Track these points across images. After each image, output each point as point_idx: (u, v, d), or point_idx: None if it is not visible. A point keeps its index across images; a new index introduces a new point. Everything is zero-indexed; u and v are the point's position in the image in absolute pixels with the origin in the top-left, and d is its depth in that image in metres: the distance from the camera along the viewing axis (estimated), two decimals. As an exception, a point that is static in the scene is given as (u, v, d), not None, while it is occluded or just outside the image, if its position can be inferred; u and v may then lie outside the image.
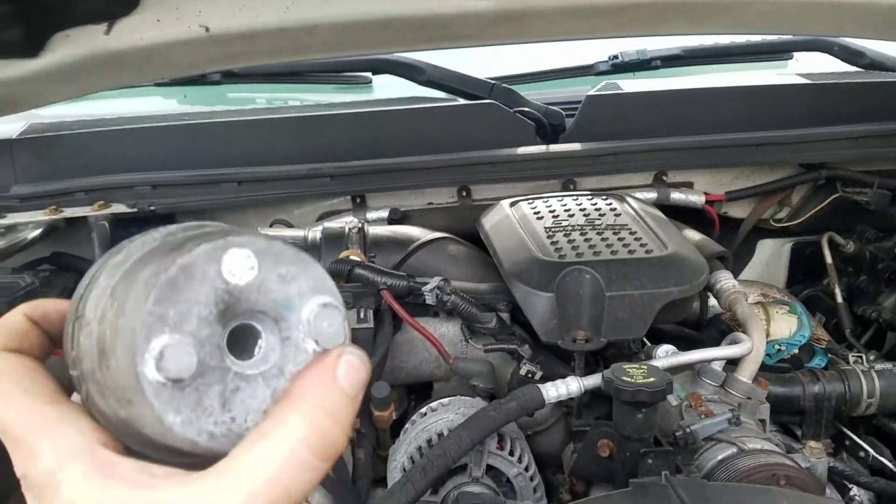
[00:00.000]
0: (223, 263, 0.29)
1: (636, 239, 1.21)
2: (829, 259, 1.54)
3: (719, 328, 1.31)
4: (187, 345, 0.28)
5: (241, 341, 0.30)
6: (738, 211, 1.61)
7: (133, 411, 0.29)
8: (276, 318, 0.30)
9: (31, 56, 1.15)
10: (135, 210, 1.41)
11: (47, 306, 0.41)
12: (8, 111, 1.34)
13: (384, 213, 1.49)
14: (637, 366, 0.98)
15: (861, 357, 1.29)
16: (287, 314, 0.30)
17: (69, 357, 0.33)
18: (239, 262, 0.30)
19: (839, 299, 1.51)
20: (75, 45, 1.15)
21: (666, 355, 1.10)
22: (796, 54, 1.84)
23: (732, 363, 1.16)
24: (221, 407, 0.29)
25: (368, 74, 1.70)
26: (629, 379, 0.94)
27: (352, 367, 0.32)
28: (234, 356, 0.30)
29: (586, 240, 1.21)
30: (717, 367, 1.14)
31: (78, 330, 0.32)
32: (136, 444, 0.32)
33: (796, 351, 1.30)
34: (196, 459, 0.30)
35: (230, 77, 1.70)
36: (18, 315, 0.40)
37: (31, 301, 0.41)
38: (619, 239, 1.21)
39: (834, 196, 1.56)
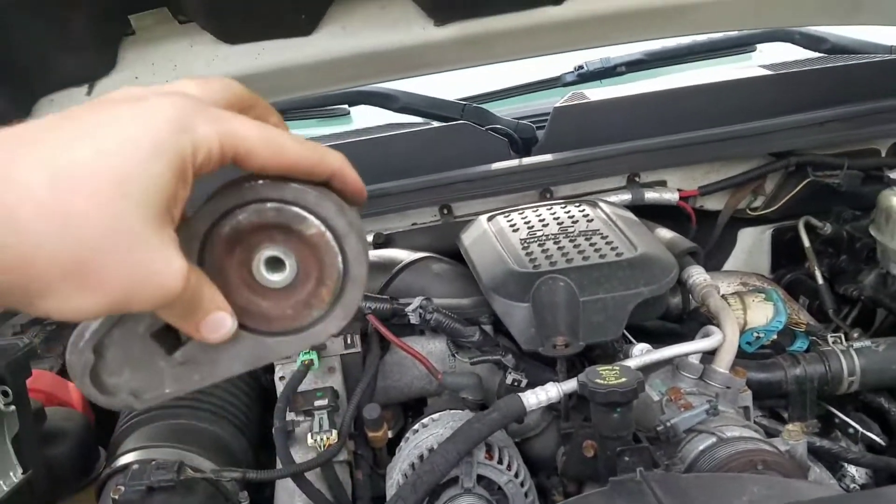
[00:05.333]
0: None
1: (607, 243, 1.25)
2: (806, 242, 1.57)
3: (699, 321, 1.34)
4: None
5: None
6: (713, 203, 1.65)
7: None
8: None
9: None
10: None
11: None
12: None
13: (369, 238, 1.54)
14: (610, 367, 1.02)
15: (839, 337, 1.31)
16: None
17: None
18: None
19: (820, 281, 1.54)
20: (60, 108, 1.22)
21: (641, 354, 1.15)
22: (759, 46, 1.87)
23: (711, 354, 1.19)
24: None
25: (346, 106, 1.76)
26: (602, 381, 0.99)
27: None
28: None
29: (559, 248, 1.25)
30: (695, 360, 1.18)
31: None
32: None
33: (776, 337, 1.33)
34: None
35: (214, 121, 1.76)
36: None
37: None
38: (591, 244, 1.25)
39: (806, 181, 1.59)
